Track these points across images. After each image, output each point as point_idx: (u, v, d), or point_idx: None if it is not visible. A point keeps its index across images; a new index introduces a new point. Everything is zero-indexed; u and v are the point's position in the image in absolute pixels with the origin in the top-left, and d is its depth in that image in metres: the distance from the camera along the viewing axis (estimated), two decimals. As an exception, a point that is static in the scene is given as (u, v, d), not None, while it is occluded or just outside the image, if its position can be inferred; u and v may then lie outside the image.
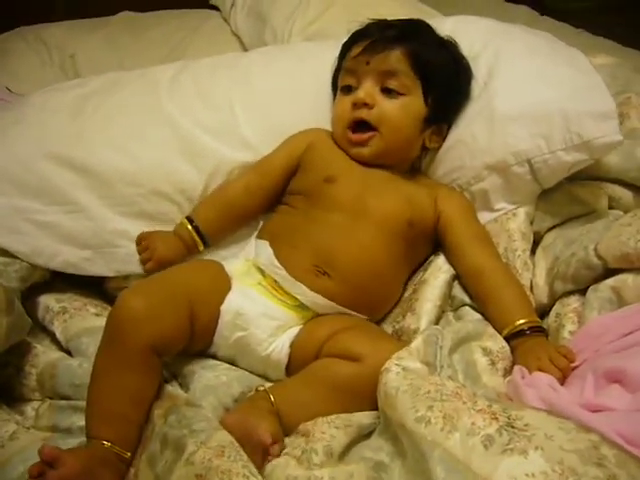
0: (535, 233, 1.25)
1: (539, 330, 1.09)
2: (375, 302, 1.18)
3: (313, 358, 1.06)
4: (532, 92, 1.23)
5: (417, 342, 1.02)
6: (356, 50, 1.25)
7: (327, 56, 1.37)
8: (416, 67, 1.21)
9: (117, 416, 0.98)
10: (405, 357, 0.97)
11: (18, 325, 1.11)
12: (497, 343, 1.07)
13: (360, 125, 1.23)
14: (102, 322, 1.05)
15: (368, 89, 1.22)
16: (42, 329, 1.22)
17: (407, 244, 1.20)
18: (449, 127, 1.29)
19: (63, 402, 1.07)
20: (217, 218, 1.26)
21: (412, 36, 1.23)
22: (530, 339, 1.07)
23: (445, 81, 1.24)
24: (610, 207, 1.28)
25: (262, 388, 1.02)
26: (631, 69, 1.52)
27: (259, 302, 1.12)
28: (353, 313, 1.14)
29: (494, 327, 1.11)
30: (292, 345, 1.11)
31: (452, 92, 1.27)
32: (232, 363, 1.13)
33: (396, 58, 1.21)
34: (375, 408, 0.97)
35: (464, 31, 1.34)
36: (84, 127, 1.29)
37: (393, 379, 0.91)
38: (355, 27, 1.31)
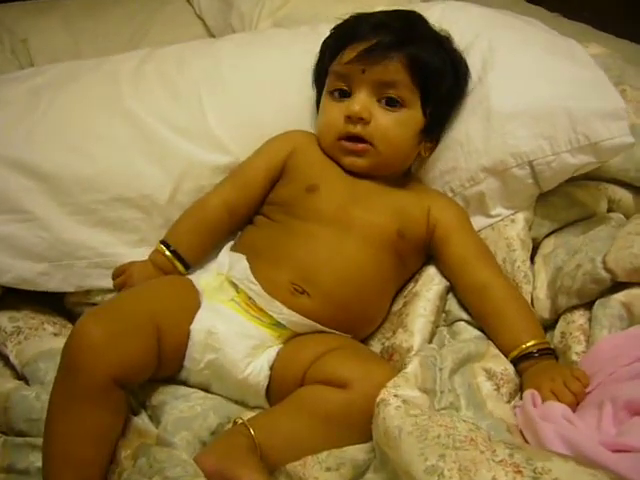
0: (532, 239, 1.17)
1: (548, 352, 1.01)
2: (360, 321, 1.09)
3: (296, 384, 0.96)
4: (532, 88, 1.15)
5: (413, 366, 0.93)
6: (349, 55, 1.12)
7: (305, 46, 1.26)
8: (416, 77, 1.11)
9: (77, 459, 0.87)
10: (402, 385, 0.88)
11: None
12: (500, 364, 1.00)
13: (353, 138, 1.13)
14: (61, 343, 0.94)
15: (364, 101, 1.11)
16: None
17: (397, 256, 1.11)
18: (442, 131, 1.20)
19: (19, 439, 0.95)
20: (196, 238, 1.15)
21: (410, 40, 1.11)
22: (540, 362, 0.99)
23: (445, 89, 1.14)
24: (609, 209, 1.22)
25: (240, 421, 0.91)
26: (623, 59, 1.45)
27: (232, 320, 1.02)
28: (335, 332, 1.05)
29: (499, 348, 1.03)
30: (272, 368, 1.01)
31: (451, 99, 1.18)
32: (207, 390, 1.02)
33: (395, 69, 1.10)
34: (368, 438, 0.88)
35: (453, 19, 1.24)
36: (37, 125, 1.17)
37: (393, 415, 0.81)
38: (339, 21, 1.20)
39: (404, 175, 1.20)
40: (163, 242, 1.14)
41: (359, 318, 1.08)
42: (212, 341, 1.00)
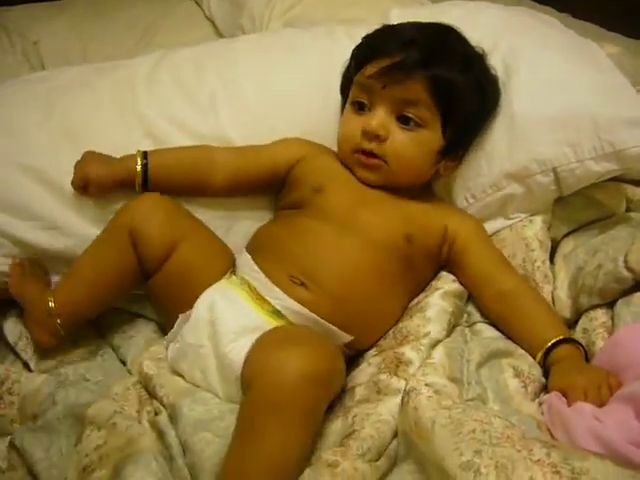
0: (551, 239, 1.18)
1: (579, 345, 1.01)
2: (361, 320, 1.05)
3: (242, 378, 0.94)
4: (556, 94, 1.15)
5: (440, 356, 0.95)
6: (372, 69, 1.11)
7: (323, 53, 1.27)
8: (437, 99, 1.09)
9: (83, 276, 1.08)
10: (430, 373, 0.90)
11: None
12: (527, 364, 1.00)
13: (368, 152, 1.13)
14: (78, 349, 1.12)
15: (382, 118, 1.10)
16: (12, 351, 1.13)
17: (405, 261, 1.10)
18: (464, 152, 1.19)
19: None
20: (171, 169, 1.15)
21: (435, 59, 1.09)
22: (571, 354, 0.99)
23: (467, 112, 1.12)
24: (627, 209, 1.23)
25: None
26: (637, 58, 1.46)
27: (233, 299, 1.04)
28: (333, 328, 1.03)
29: (525, 348, 1.03)
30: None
31: (473, 121, 1.16)
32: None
33: (416, 89, 1.08)
34: (292, 432, 0.85)
35: (473, 22, 1.23)
36: (55, 133, 1.18)
37: (425, 405, 0.82)
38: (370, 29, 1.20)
39: (421, 189, 1.20)
40: (144, 152, 1.14)
41: (360, 317, 1.06)
42: (210, 315, 1.02)
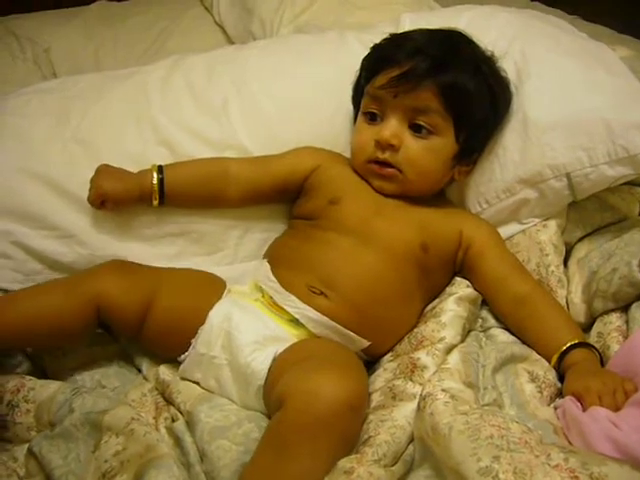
0: (565, 244, 1.18)
1: (594, 349, 1.01)
2: (379, 327, 1.06)
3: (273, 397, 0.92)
4: (568, 98, 1.15)
5: (455, 361, 0.95)
6: (382, 79, 1.12)
7: (332, 55, 1.29)
8: (449, 105, 1.09)
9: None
10: (446, 378, 0.90)
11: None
12: (542, 368, 1.00)
13: (382, 162, 1.13)
14: (94, 356, 1.09)
15: (394, 128, 1.11)
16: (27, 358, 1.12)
17: (421, 269, 1.10)
18: (478, 156, 1.20)
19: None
20: (186, 183, 1.16)
21: (445, 66, 1.09)
22: (586, 358, 0.99)
23: (480, 115, 1.13)
24: (640, 213, 1.22)
25: None
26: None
27: (250, 310, 1.04)
28: (352, 335, 1.04)
29: (540, 352, 1.03)
30: (270, 369, 0.97)
31: (487, 124, 1.16)
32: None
33: (427, 97, 1.09)
34: (319, 457, 0.84)
35: (484, 27, 1.24)
36: (70, 142, 1.19)
37: (442, 411, 0.82)
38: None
39: (435, 195, 1.20)
40: (159, 166, 1.15)
41: (378, 324, 1.06)
42: (227, 325, 1.02)
